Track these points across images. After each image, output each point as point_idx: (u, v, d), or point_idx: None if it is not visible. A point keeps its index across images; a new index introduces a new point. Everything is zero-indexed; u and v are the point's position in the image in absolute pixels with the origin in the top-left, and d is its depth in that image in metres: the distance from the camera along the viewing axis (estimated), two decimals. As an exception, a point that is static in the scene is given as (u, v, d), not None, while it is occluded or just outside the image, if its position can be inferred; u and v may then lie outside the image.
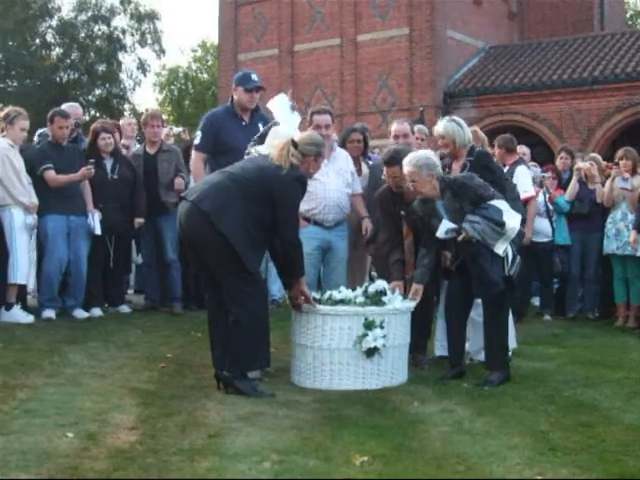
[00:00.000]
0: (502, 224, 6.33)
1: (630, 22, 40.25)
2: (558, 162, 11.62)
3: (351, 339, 6.03)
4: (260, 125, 7.53)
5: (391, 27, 26.35)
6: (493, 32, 28.74)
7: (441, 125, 7.13)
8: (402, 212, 6.97)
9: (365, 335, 6.01)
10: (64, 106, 10.10)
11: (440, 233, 6.43)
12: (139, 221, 9.83)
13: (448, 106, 25.53)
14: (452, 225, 6.39)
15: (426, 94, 25.59)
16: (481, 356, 7.04)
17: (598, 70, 24.09)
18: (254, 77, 7.66)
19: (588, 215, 10.64)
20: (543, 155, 19.59)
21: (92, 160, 9.35)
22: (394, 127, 8.44)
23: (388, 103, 26.21)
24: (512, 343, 7.29)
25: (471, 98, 25.64)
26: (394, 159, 6.85)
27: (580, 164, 10.99)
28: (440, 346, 7.41)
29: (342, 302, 6.24)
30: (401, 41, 26.12)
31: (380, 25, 26.54)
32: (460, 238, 6.34)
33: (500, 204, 6.44)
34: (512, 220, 6.42)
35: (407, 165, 6.46)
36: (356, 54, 26.90)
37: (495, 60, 27.31)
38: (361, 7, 26.89)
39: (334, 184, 7.76)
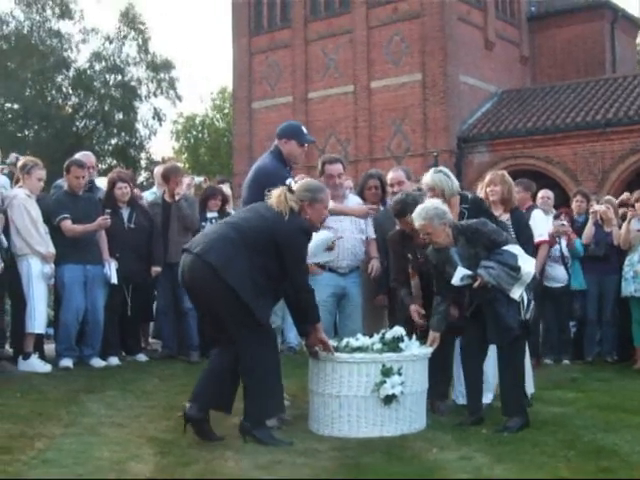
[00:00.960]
0: (517, 269, 6.32)
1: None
2: (574, 205, 11.58)
3: (369, 387, 6.01)
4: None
5: (404, 73, 26.54)
6: (505, 76, 28.88)
7: (429, 177, 7.17)
8: (409, 255, 7.04)
9: (383, 382, 5.99)
10: (78, 155, 10.19)
11: (455, 280, 6.40)
12: (156, 270, 9.87)
13: (462, 151, 25.62)
14: (467, 272, 6.37)
15: (440, 139, 25.70)
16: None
17: (611, 112, 24.15)
18: (305, 131, 7.28)
19: (604, 258, 10.62)
20: (558, 198, 19.52)
21: (108, 210, 9.43)
22: (389, 176, 8.54)
23: (402, 148, 26.32)
24: (530, 388, 7.26)
25: (485, 142, 25.70)
26: (402, 211, 6.97)
27: (596, 207, 10.97)
28: (459, 394, 7.34)
29: (359, 349, 6.21)
30: (414, 87, 26.29)
31: (393, 71, 26.73)
32: (476, 285, 6.31)
33: (514, 249, 6.45)
34: (527, 264, 6.42)
35: (418, 219, 6.47)
36: (370, 100, 27.07)
37: (508, 104, 27.42)
38: (374, 54, 27.10)
39: (348, 231, 7.77)
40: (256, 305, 5.64)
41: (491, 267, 6.29)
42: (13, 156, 10.15)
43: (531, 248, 7.48)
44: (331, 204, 6.71)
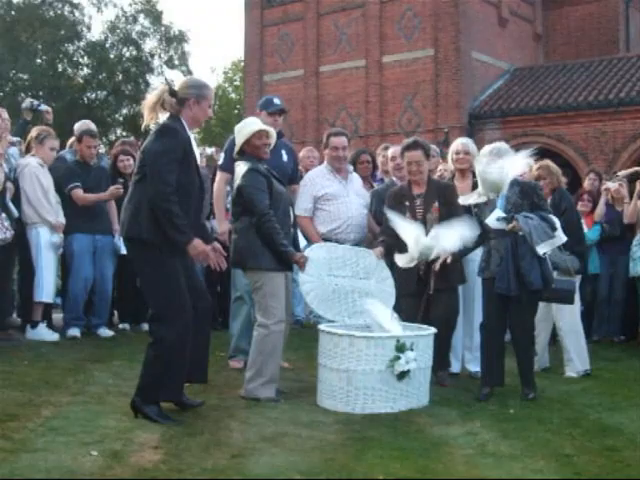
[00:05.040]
0: (555, 229, 6.66)
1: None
2: (586, 184, 11.51)
3: (384, 362, 6.01)
4: (283, 152, 7.64)
5: (416, 48, 26.40)
6: (518, 54, 28.72)
7: (467, 143, 7.84)
8: (406, 203, 7.24)
9: (397, 358, 6.00)
10: (79, 124, 10.18)
11: (491, 220, 6.69)
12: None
13: (473, 127, 25.51)
14: (503, 214, 6.65)
15: (451, 115, 25.60)
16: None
17: (624, 92, 23.99)
18: (276, 101, 7.89)
19: (619, 237, 10.57)
20: (569, 177, 19.49)
21: (121, 179, 9.45)
22: (391, 149, 8.90)
23: (413, 124, 26.21)
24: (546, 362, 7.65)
25: (496, 120, 25.58)
26: (416, 143, 7.33)
27: (609, 184, 10.92)
28: (454, 361, 7.68)
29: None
30: (426, 62, 26.16)
31: (405, 46, 26.59)
32: (509, 227, 6.59)
33: (556, 219, 6.78)
34: (562, 233, 6.76)
35: (490, 155, 6.77)
36: (381, 75, 26.94)
37: (520, 82, 27.27)
38: (386, 28, 26.96)
39: (355, 204, 7.84)
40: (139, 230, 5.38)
41: (530, 218, 6.59)
42: (28, 101, 10.09)
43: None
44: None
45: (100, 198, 9.23)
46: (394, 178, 8.50)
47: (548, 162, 8.30)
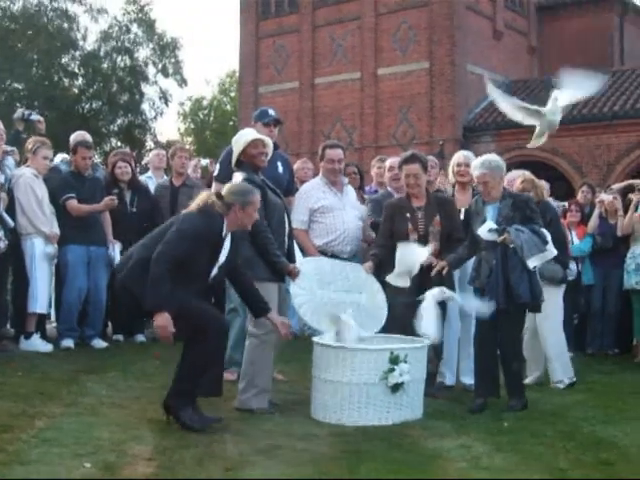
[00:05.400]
0: (546, 242, 6.70)
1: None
2: (580, 196, 11.54)
3: (377, 374, 6.02)
4: (279, 163, 7.65)
5: (411, 61, 26.48)
6: (513, 66, 28.81)
7: (469, 156, 7.96)
8: (407, 214, 7.22)
9: (392, 370, 6.00)
10: (74, 135, 10.20)
11: (482, 231, 6.73)
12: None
13: (468, 140, 25.56)
14: (495, 226, 6.70)
15: (446, 128, 25.67)
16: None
17: (618, 105, 24.07)
18: (271, 112, 7.91)
19: (611, 250, 10.59)
20: (563, 190, 19.56)
21: (115, 190, 9.46)
22: (389, 160, 8.81)
23: (408, 137, 26.27)
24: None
25: (491, 132, 25.64)
26: (414, 156, 7.33)
27: (603, 197, 10.94)
28: (449, 374, 7.68)
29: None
30: (421, 75, 26.24)
31: (400, 59, 26.67)
32: (500, 239, 6.63)
33: (547, 233, 6.82)
34: (552, 247, 6.79)
35: (480, 168, 6.84)
36: (376, 87, 27.01)
37: (515, 94, 27.18)
38: (382, 41, 27.04)
39: (351, 216, 7.87)
40: (144, 293, 5.47)
41: (522, 231, 6.63)
42: (19, 111, 10.08)
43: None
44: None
45: (94, 209, 9.22)
46: (389, 189, 8.51)
47: (531, 175, 8.33)
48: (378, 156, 10.57)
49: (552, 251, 6.79)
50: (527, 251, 6.58)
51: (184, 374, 5.64)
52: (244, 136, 6.66)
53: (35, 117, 10.11)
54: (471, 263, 7.16)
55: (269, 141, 6.77)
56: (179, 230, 5.58)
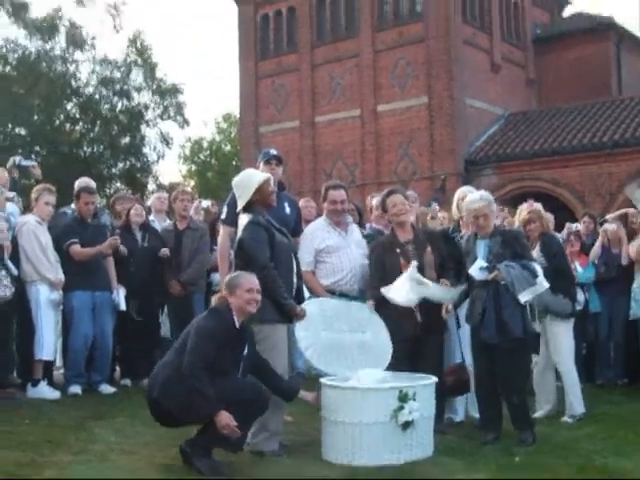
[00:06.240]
0: (536, 276, 6.74)
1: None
2: (582, 227, 11.57)
3: (387, 413, 5.99)
4: (286, 204, 7.68)
5: (410, 96, 26.62)
6: (512, 99, 28.93)
7: (468, 190, 8.04)
8: (397, 250, 7.28)
9: (401, 408, 5.98)
10: (79, 182, 10.26)
11: (474, 270, 6.81)
12: (174, 284, 9.96)
13: (469, 174, 25.63)
14: (485, 264, 6.77)
15: (447, 162, 25.74)
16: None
17: (618, 134, 24.14)
18: (272, 151, 8.07)
19: (615, 279, 10.58)
20: (566, 220, 19.50)
21: (118, 231, 9.51)
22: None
23: (409, 172, 26.34)
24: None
25: (492, 165, 25.72)
26: (394, 189, 7.61)
27: (607, 226, 10.95)
28: (460, 410, 7.73)
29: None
30: (421, 110, 26.36)
31: (399, 95, 26.81)
32: (490, 277, 6.70)
33: (537, 266, 6.88)
34: (543, 280, 6.82)
35: (478, 201, 7.01)
36: (376, 124, 27.13)
37: (515, 126, 27.44)
38: (380, 78, 27.20)
39: (357, 254, 7.84)
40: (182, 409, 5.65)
41: (512, 267, 6.69)
42: (11, 159, 10.13)
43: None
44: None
45: (98, 251, 9.23)
46: (379, 226, 8.62)
47: (539, 206, 8.38)
48: (371, 194, 10.56)
49: (543, 284, 6.85)
50: (518, 286, 6.67)
51: (212, 432, 5.64)
52: (254, 176, 6.71)
53: (27, 163, 10.19)
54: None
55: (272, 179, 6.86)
56: (197, 334, 5.77)
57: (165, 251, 9.82)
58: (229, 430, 5.55)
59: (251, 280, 6.04)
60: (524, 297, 6.70)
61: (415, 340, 7.12)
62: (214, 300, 6.10)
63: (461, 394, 7.51)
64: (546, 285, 6.88)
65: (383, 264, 7.29)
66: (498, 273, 6.68)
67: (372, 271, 7.42)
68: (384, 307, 7.07)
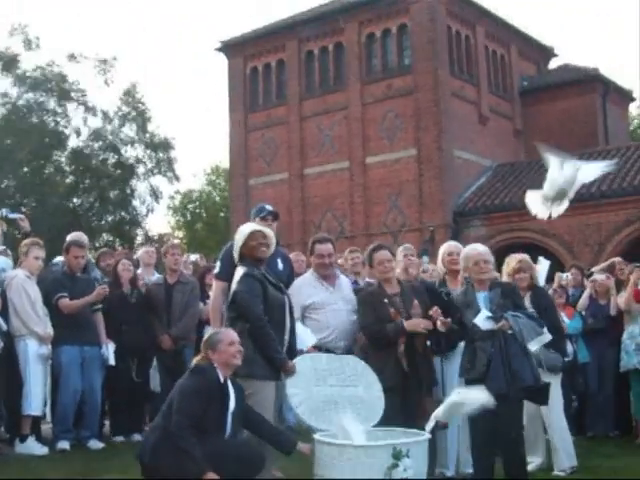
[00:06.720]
0: (542, 325, 6.79)
1: (634, 134, 40.70)
2: (570, 279, 11.61)
3: (381, 471, 5.91)
4: (279, 260, 7.64)
5: (399, 149, 26.82)
6: (499, 150, 29.14)
7: (459, 245, 8.14)
8: (385, 300, 7.27)
9: (395, 466, 5.91)
10: (71, 235, 10.26)
11: (479, 320, 6.76)
12: (165, 338, 9.86)
13: (458, 225, 25.73)
14: (490, 314, 6.75)
15: (436, 214, 25.84)
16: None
17: (605, 184, 24.27)
18: (268, 207, 8.01)
19: (603, 330, 10.58)
20: (554, 270, 19.53)
21: (106, 280, 9.48)
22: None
23: (398, 223, 26.43)
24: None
25: (481, 216, 25.83)
26: (381, 245, 7.58)
27: (596, 276, 10.98)
28: (450, 465, 7.65)
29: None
30: (409, 162, 26.53)
31: (388, 147, 27.00)
32: (498, 326, 6.67)
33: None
34: (547, 331, 6.88)
35: (483, 253, 7.09)
36: (365, 176, 27.29)
37: (503, 178, 27.60)
38: (369, 130, 27.40)
39: (344, 310, 7.77)
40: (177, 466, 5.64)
41: (518, 316, 6.71)
42: None
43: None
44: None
45: (87, 302, 9.19)
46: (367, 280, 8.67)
47: (526, 257, 8.42)
48: (349, 248, 10.53)
49: (547, 335, 6.85)
50: (527, 335, 6.66)
51: None
52: (243, 230, 6.74)
53: (14, 215, 10.20)
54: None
55: (270, 232, 6.85)
56: (182, 394, 5.81)
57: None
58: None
59: (230, 334, 6.09)
60: (533, 346, 6.73)
61: (403, 390, 7.08)
62: (195, 361, 6.10)
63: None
64: (549, 336, 6.90)
65: (373, 310, 7.29)
66: (505, 322, 6.68)
67: (367, 320, 7.38)
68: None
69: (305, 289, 7.77)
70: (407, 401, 7.10)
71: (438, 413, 6.49)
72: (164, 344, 9.83)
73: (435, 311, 7.00)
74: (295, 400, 6.48)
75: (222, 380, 5.92)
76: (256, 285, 6.39)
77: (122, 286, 9.91)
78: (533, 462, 8.09)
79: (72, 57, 37.62)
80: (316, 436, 6.27)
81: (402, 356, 7.10)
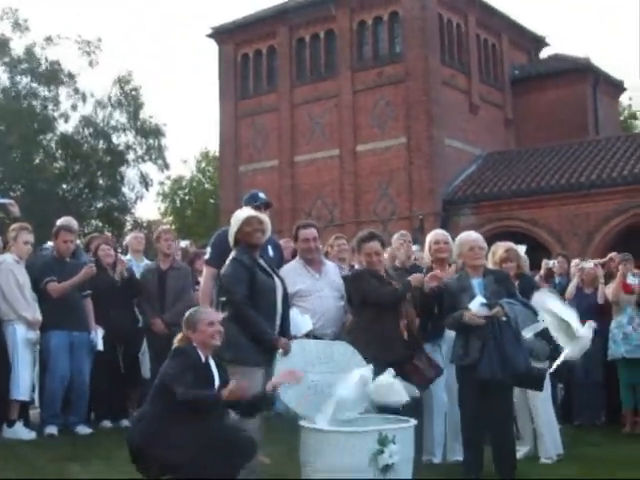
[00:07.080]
0: (536, 313, 6.82)
1: (624, 125, 40.77)
2: (556, 267, 11.68)
3: (367, 456, 5.93)
4: (269, 247, 7.62)
5: (390, 137, 26.80)
6: (490, 139, 29.16)
7: (445, 233, 8.22)
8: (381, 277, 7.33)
9: (381, 452, 5.92)
10: (61, 220, 10.22)
11: (474, 305, 6.78)
12: (157, 322, 9.77)
13: (447, 213, 25.77)
14: (484, 300, 6.79)
15: (425, 202, 25.85)
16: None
17: (595, 174, 24.34)
18: (261, 195, 7.98)
19: (590, 319, 10.58)
20: (541, 258, 19.56)
21: (92, 258, 9.45)
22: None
23: (388, 212, 26.44)
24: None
25: (470, 205, 25.86)
26: (373, 235, 7.48)
27: (584, 264, 11.00)
28: (437, 452, 7.73)
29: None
30: (400, 150, 26.52)
31: (379, 135, 26.98)
32: (492, 312, 6.70)
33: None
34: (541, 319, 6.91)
35: (478, 240, 7.20)
36: (355, 164, 27.27)
37: (493, 167, 27.63)
38: (360, 118, 27.37)
39: (331, 298, 7.78)
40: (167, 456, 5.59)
41: (513, 303, 6.77)
42: None
43: None
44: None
45: (75, 282, 9.16)
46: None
47: (513, 245, 8.42)
48: (334, 235, 10.50)
49: (541, 323, 6.87)
50: (522, 322, 6.67)
51: None
52: (238, 216, 6.70)
53: (4, 200, 10.18)
54: None
55: (266, 219, 6.78)
56: (170, 375, 5.71)
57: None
58: (243, 393, 5.65)
59: (210, 313, 6.05)
60: (527, 333, 6.75)
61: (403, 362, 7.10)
62: (176, 342, 6.03)
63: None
64: (543, 324, 6.91)
65: (370, 281, 7.32)
66: (500, 309, 6.71)
67: (361, 284, 7.41)
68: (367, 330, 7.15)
69: (291, 277, 7.74)
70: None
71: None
72: (156, 327, 9.73)
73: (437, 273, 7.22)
74: (282, 387, 6.47)
75: (204, 360, 5.88)
76: (241, 270, 6.36)
77: (106, 271, 9.87)
78: (520, 450, 8.11)
79: (49, 40, 37.30)
80: (302, 422, 6.28)
81: (405, 328, 7.17)
